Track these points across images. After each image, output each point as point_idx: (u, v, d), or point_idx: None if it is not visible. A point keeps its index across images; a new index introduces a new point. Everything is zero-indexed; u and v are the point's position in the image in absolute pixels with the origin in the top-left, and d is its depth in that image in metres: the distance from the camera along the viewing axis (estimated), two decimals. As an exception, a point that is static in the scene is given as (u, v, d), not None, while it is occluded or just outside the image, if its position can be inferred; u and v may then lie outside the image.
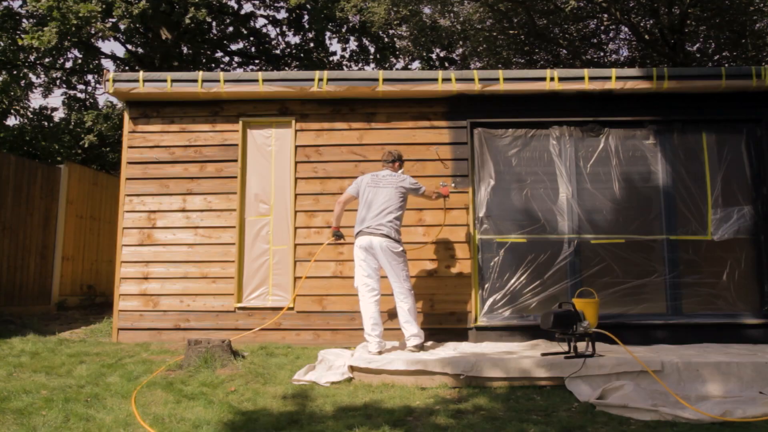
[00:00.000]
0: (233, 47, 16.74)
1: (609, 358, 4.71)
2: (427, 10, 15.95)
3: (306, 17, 16.13)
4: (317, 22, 15.12)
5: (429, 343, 5.82)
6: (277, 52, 16.97)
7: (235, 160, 6.70)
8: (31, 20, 12.61)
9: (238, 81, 6.56)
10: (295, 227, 6.57)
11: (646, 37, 14.85)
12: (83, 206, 9.47)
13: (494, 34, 15.64)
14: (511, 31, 15.43)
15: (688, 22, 13.98)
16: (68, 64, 14.72)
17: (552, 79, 6.42)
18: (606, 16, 15.28)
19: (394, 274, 5.46)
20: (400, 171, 5.79)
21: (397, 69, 17.51)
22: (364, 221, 5.54)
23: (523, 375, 4.67)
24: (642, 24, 15.25)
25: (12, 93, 13.20)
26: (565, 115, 6.61)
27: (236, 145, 6.72)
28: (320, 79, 6.49)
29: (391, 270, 5.46)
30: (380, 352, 5.23)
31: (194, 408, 4.10)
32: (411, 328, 5.43)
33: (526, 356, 4.96)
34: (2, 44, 12.43)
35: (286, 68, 16.57)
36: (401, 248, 5.51)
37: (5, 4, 12.80)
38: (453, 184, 6.45)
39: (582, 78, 6.42)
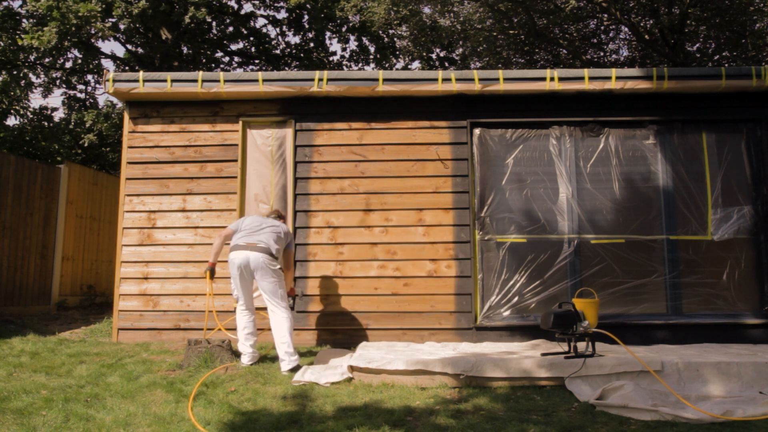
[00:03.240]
0: (233, 47, 16.76)
1: (609, 358, 4.71)
2: (427, 10, 15.95)
3: (306, 17, 16.13)
4: (317, 22, 15.12)
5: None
6: (277, 52, 16.97)
7: (235, 160, 6.70)
8: (31, 20, 12.61)
9: (238, 81, 6.56)
10: (295, 227, 6.57)
11: (646, 37, 14.85)
12: (83, 206, 9.47)
13: (494, 34, 15.64)
14: (511, 31, 15.43)
15: (688, 22, 13.98)
16: (68, 64, 14.73)
17: (552, 79, 6.42)
18: (606, 16, 15.28)
19: (270, 290, 5.23)
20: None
21: (397, 69, 17.52)
22: (242, 238, 5.33)
23: (523, 375, 4.67)
24: (642, 24, 15.24)
25: (12, 93, 13.20)
26: (565, 115, 6.61)
27: (236, 145, 6.72)
28: (320, 79, 6.49)
29: (267, 286, 5.22)
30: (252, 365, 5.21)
31: (194, 408, 4.10)
32: (284, 358, 5.12)
33: (527, 356, 4.96)
34: (2, 44, 12.43)
35: (286, 68, 16.57)
36: (279, 266, 5.30)
37: (5, 4, 12.80)
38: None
39: (582, 78, 6.42)
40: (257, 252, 5.21)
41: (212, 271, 5.44)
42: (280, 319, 5.22)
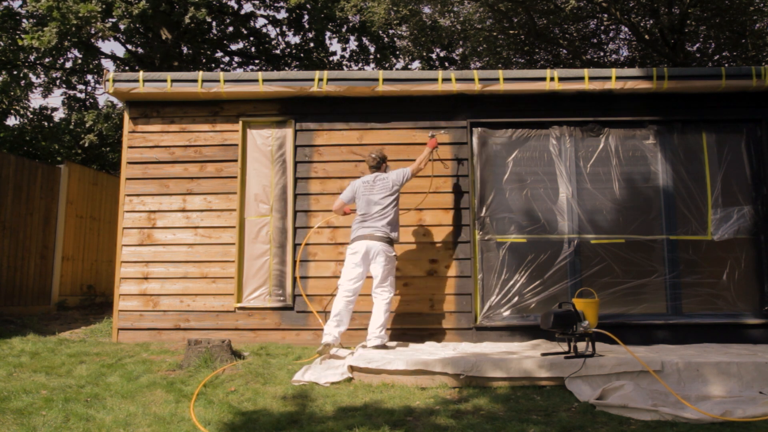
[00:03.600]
0: (233, 47, 16.77)
1: (609, 358, 4.71)
2: (427, 10, 15.96)
3: (306, 17, 16.13)
4: (317, 22, 15.12)
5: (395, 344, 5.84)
6: (277, 52, 16.97)
7: (235, 160, 6.70)
8: (31, 20, 12.61)
9: (238, 81, 6.56)
10: (295, 227, 6.57)
11: (646, 37, 14.85)
12: (83, 206, 9.47)
13: (494, 33, 15.64)
14: (511, 31, 15.43)
15: (688, 22, 13.98)
16: (68, 64, 14.73)
17: (552, 79, 6.42)
18: (606, 16, 15.28)
19: (381, 275, 5.61)
20: (386, 170, 5.97)
21: (397, 69, 17.52)
22: (360, 227, 5.70)
23: (523, 375, 4.67)
24: (642, 24, 15.25)
25: (12, 93, 13.20)
26: (565, 115, 6.61)
27: (236, 145, 6.72)
28: (320, 79, 6.49)
29: (381, 271, 5.61)
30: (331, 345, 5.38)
31: (194, 408, 4.10)
32: (373, 341, 5.55)
33: (527, 356, 4.96)
34: (2, 44, 12.43)
35: (286, 68, 16.57)
36: (394, 253, 5.70)
37: (5, 4, 12.81)
38: (442, 131, 6.51)
39: (582, 78, 6.42)
40: (375, 241, 5.59)
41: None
42: (380, 302, 5.65)
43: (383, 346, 5.50)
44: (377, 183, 5.82)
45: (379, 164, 5.93)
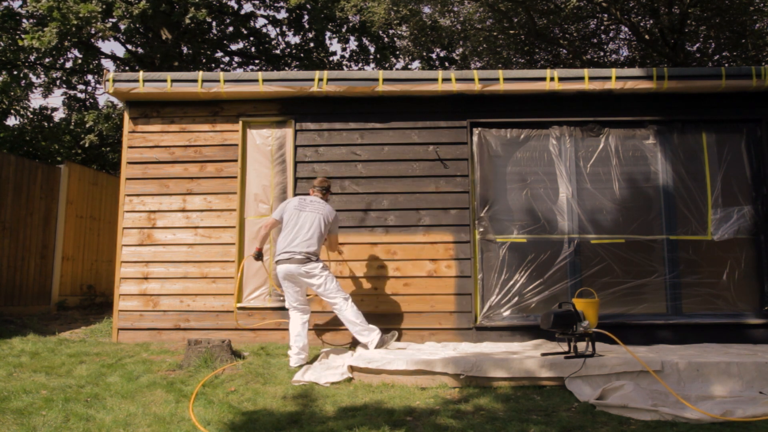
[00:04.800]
0: (233, 47, 16.76)
1: (609, 358, 4.71)
2: (427, 10, 15.96)
3: (306, 17, 16.13)
4: (317, 22, 15.12)
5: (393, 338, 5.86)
6: (277, 52, 16.97)
7: (235, 160, 6.70)
8: (31, 20, 12.61)
9: (238, 81, 6.56)
10: (295, 227, 6.56)
11: (646, 37, 14.85)
12: (83, 206, 9.46)
13: (494, 33, 15.64)
14: (511, 31, 15.43)
15: (688, 22, 13.98)
16: (68, 64, 14.73)
17: (552, 79, 6.42)
18: (606, 16, 15.29)
19: (323, 291, 5.52)
20: (328, 200, 5.83)
21: (397, 69, 17.52)
22: (285, 248, 5.51)
23: (523, 375, 4.67)
24: (642, 24, 15.25)
25: (12, 93, 13.20)
26: (565, 115, 6.61)
27: (236, 145, 6.72)
28: (320, 79, 6.49)
29: (318, 289, 5.54)
30: (300, 366, 5.28)
31: (194, 408, 4.10)
32: (363, 338, 5.53)
33: (527, 356, 4.96)
34: (2, 44, 12.43)
35: (286, 68, 16.57)
36: (320, 265, 5.47)
37: (5, 4, 12.81)
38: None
39: (582, 78, 6.42)
40: (295, 264, 5.42)
41: (258, 255, 5.81)
42: (340, 310, 5.55)
43: (382, 341, 5.52)
44: (311, 205, 5.65)
45: (324, 190, 5.82)
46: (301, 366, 5.25)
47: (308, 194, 5.92)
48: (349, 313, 5.51)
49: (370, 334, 5.52)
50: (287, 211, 5.63)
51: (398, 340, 6.13)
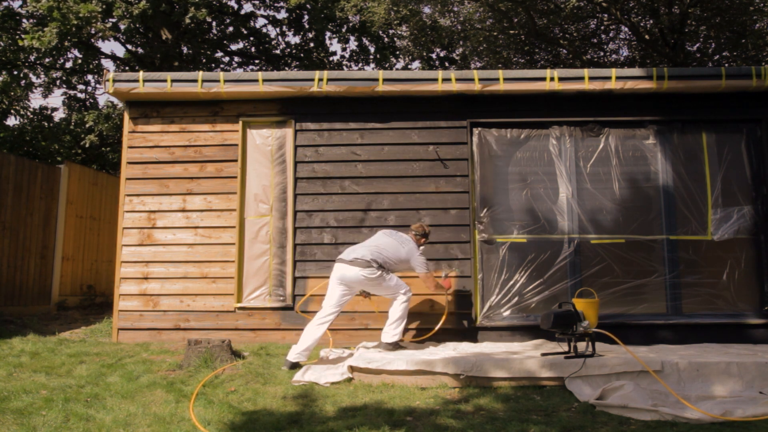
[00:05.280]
0: (233, 47, 16.76)
1: (609, 358, 4.71)
2: (427, 10, 15.97)
3: (306, 17, 16.13)
4: (317, 22, 15.12)
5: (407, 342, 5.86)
6: (277, 52, 16.97)
7: (235, 160, 6.70)
8: (31, 20, 12.61)
9: (238, 81, 6.56)
10: (295, 227, 6.57)
11: (646, 37, 14.85)
12: (83, 206, 9.46)
13: (494, 33, 15.64)
14: (511, 31, 15.43)
15: (688, 22, 13.98)
16: (68, 64, 14.72)
17: (552, 79, 6.42)
18: (606, 16, 15.29)
19: (386, 292, 5.58)
20: (420, 247, 5.79)
21: (397, 69, 17.52)
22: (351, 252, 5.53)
23: (523, 375, 4.67)
24: (642, 24, 15.25)
25: (12, 93, 13.20)
26: (565, 115, 6.61)
27: (236, 145, 6.72)
28: (320, 79, 6.49)
29: (382, 292, 5.61)
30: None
31: (194, 408, 4.10)
32: (387, 334, 5.57)
33: (527, 356, 4.96)
34: (2, 44, 12.43)
35: (286, 68, 16.57)
36: (378, 272, 5.42)
37: (5, 4, 12.80)
38: (455, 270, 6.33)
39: (582, 78, 6.42)
40: (357, 268, 5.39)
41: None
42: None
43: (396, 346, 5.53)
44: (400, 241, 5.66)
45: (420, 236, 5.82)
46: (297, 363, 5.26)
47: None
48: (401, 308, 5.54)
49: (396, 334, 5.51)
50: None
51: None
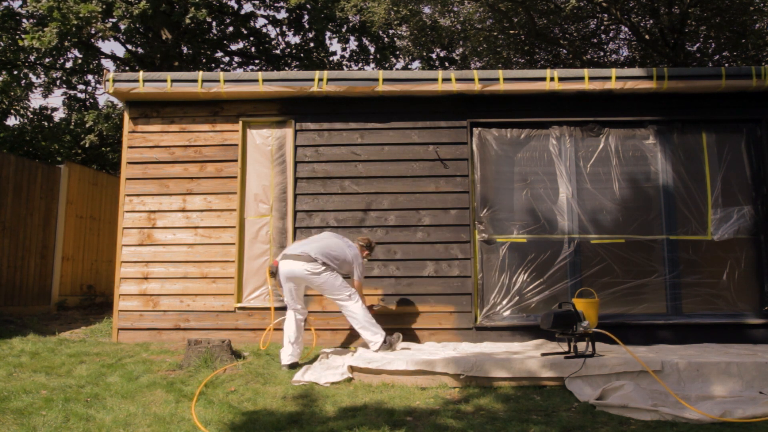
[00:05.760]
0: (233, 47, 16.76)
1: (609, 358, 4.71)
2: (427, 10, 15.97)
3: (306, 17, 16.13)
4: (317, 22, 15.12)
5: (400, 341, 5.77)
6: (277, 52, 16.96)
7: (235, 160, 6.70)
8: (31, 20, 12.61)
9: (238, 81, 6.56)
10: (295, 227, 6.57)
11: (646, 37, 14.85)
12: (83, 206, 9.46)
13: (494, 33, 15.65)
14: (511, 31, 15.43)
15: (688, 22, 13.98)
16: (68, 64, 14.72)
17: (552, 79, 6.42)
18: (606, 16, 15.29)
19: (329, 292, 5.46)
20: (363, 256, 5.78)
21: (397, 69, 17.52)
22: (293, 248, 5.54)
23: (523, 375, 4.67)
24: (642, 24, 15.25)
25: (12, 93, 13.20)
26: (565, 115, 6.61)
27: (236, 145, 6.72)
28: (320, 79, 6.49)
29: (325, 291, 5.48)
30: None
31: (194, 408, 4.09)
32: (368, 337, 5.42)
33: (527, 356, 4.96)
34: (2, 44, 12.43)
35: (286, 68, 16.57)
36: (322, 268, 5.39)
37: (5, 4, 12.81)
38: (382, 306, 6.22)
39: (582, 78, 6.42)
40: (302, 262, 5.35)
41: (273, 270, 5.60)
42: (345, 308, 5.53)
43: (389, 343, 5.46)
44: (347, 244, 5.68)
45: (364, 247, 5.83)
46: (297, 363, 5.25)
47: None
48: (355, 311, 5.43)
49: (375, 335, 5.42)
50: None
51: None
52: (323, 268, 5.35)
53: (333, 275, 5.41)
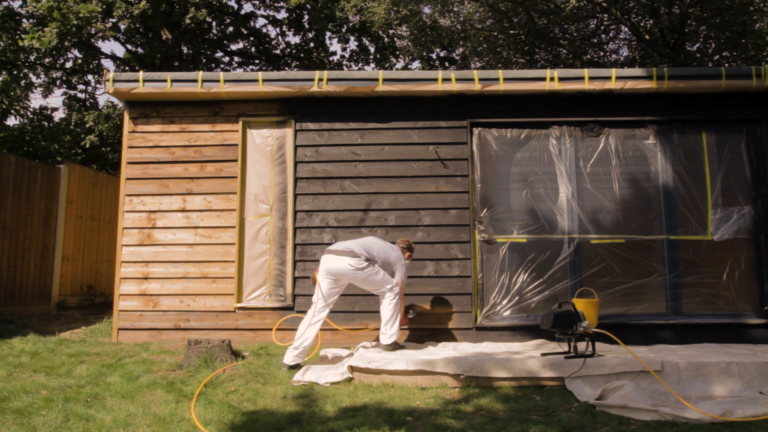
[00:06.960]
0: (233, 47, 16.76)
1: (609, 358, 4.71)
2: (427, 10, 15.96)
3: (306, 17, 16.13)
4: (317, 22, 15.12)
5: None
6: (277, 52, 16.97)
7: (235, 160, 6.70)
8: (31, 20, 12.61)
9: (238, 81, 6.56)
10: (295, 227, 6.57)
11: (646, 37, 14.85)
12: (83, 206, 9.47)
13: (494, 33, 15.64)
14: (511, 31, 15.43)
15: (688, 22, 13.98)
16: (68, 64, 14.71)
17: (552, 79, 6.42)
18: (606, 16, 15.29)
19: (371, 286, 5.51)
20: (405, 257, 5.79)
21: (397, 69, 17.53)
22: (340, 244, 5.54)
23: (523, 375, 4.67)
24: (642, 24, 15.25)
25: (12, 93, 13.19)
26: (565, 115, 6.61)
27: (236, 145, 6.72)
28: (320, 79, 6.49)
29: (368, 285, 5.52)
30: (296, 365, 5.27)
31: (194, 408, 4.09)
32: (384, 328, 5.53)
33: (527, 356, 4.96)
34: (2, 44, 12.43)
35: (286, 68, 16.57)
36: (365, 263, 5.41)
37: (5, 4, 12.80)
38: (413, 314, 6.18)
39: (582, 78, 6.42)
40: (346, 257, 5.38)
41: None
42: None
43: (395, 346, 5.49)
44: (390, 246, 5.74)
45: (405, 249, 5.85)
46: (297, 364, 5.26)
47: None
48: (390, 304, 5.49)
49: (391, 338, 5.46)
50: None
51: (398, 340, 6.12)
52: (366, 263, 5.39)
53: (375, 270, 5.45)
